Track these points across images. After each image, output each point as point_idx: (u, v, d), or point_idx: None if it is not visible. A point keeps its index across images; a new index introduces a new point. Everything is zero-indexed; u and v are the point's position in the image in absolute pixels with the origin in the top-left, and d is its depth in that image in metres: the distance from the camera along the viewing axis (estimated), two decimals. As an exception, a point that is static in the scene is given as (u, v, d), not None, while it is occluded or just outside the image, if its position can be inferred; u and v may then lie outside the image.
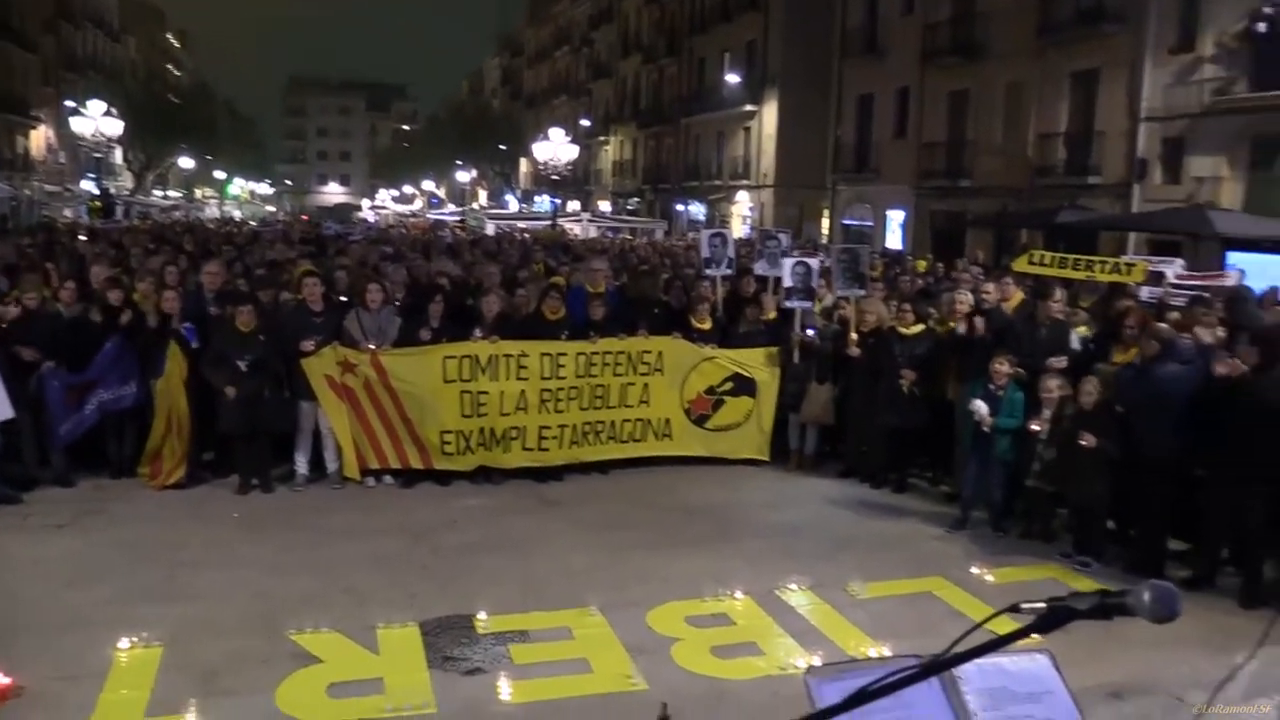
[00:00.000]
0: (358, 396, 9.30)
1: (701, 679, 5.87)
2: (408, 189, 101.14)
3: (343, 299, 10.28)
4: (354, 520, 8.64)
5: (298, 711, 5.39)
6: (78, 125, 37.57)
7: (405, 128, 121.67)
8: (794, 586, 7.28)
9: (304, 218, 49.99)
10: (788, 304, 10.55)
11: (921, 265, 17.07)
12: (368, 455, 9.44)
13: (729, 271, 11.66)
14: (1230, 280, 11.89)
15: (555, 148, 38.67)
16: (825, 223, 36.98)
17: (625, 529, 8.60)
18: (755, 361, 10.53)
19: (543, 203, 58.29)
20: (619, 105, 59.09)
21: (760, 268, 11.64)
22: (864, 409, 9.95)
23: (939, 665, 1.89)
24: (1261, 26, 19.87)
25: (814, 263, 10.79)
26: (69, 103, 46.46)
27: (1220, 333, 8.68)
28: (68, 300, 9.57)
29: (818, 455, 10.57)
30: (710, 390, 10.47)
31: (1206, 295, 10.49)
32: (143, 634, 6.14)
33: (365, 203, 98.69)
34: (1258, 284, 14.21)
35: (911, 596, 7.24)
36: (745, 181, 42.93)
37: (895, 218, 33.25)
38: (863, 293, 10.49)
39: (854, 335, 10.03)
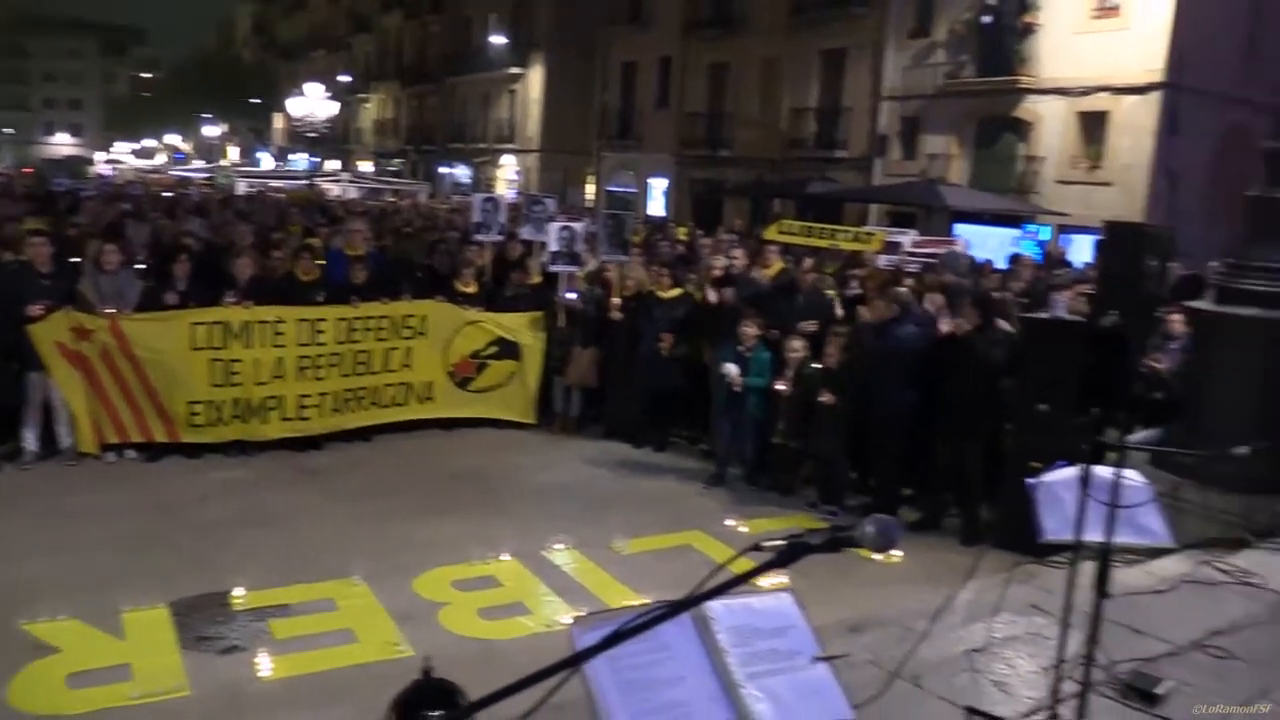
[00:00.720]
0: (93, 365, 8.63)
1: (470, 641, 5.92)
2: (149, 143, 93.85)
3: (75, 260, 9.50)
4: (93, 499, 8.06)
5: (34, 706, 5.04)
6: None
7: (146, 76, 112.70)
8: (559, 546, 7.43)
9: (27, 170, 45.49)
10: (553, 268, 10.65)
11: (682, 232, 17.58)
12: (106, 428, 8.79)
13: (499, 237, 11.62)
14: (958, 248, 12.98)
15: (312, 104, 37.06)
16: (590, 189, 37.33)
17: (389, 496, 8.47)
18: (520, 325, 10.58)
19: (299, 161, 55.66)
20: (381, 62, 56.99)
21: (526, 232, 11.68)
22: (625, 371, 10.22)
23: (686, 603, 2.01)
24: (987, 18, 21.63)
25: (578, 227, 10.93)
26: None
27: (939, 298, 9.49)
28: None
29: (582, 417, 10.77)
30: (475, 354, 10.45)
31: (936, 263, 11.41)
32: None
33: (100, 156, 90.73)
34: (980, 252, 15.60)
35: (672, 550, 7.56)
36: (511, 145, 42.62)
37: (658, 185, 34.01)
38: (626, 258, 10.73)
39: (615, 300, 10.26)
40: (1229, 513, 6.66)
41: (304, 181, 36.28)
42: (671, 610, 1.94)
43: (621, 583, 6.84)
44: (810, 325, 9.10)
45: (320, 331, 9.43)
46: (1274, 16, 19.51)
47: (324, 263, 10.31)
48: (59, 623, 5.83)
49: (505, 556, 7.16)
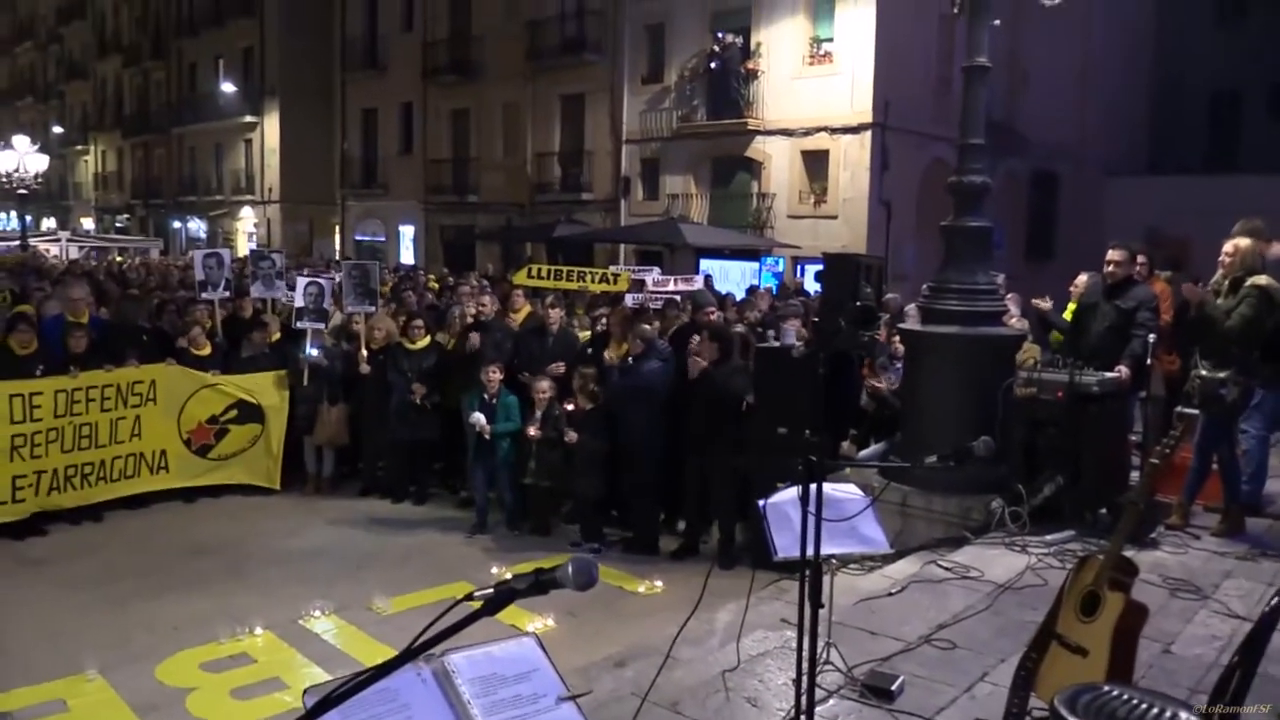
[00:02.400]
0: None
1: (220, 726, 5.60)
2: None
3: None
4: None
5: None
6: None
7: None
8: (317, 613, 7.12)
9: None
10: (299, 324, 10.30)
11: (433, 281, 17.44)
12: None
13: (226, 294, 11.11)
14: (698, 283, 13.56)
15: (21, 157, 34.00)
16: (338, 239, 36.34)
17: (125, 578, 7.87)
18: (261, 386, 10.16)
19: (9, 220, 50.98)
20: (99, 111, 53.30)
21: (256, 290, 11.24)
22: (378, 425, 10.01)
23: (402, 658, 2.00)
24: (714, 64, 22.85)
25: (325, 283, 10.63)
26: None
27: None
28: None
29: (336, 476, 10.44)
30: (213, 419, 9.94)
31: (678, 298, 11.88)
32: None
33: None
34: (722, 285, 16.38)
35: (437, 604, 7.37)
36: (249, 196, 40.82)
37: (406, 232, 33.56)
38: (373, 309, 10.54)
39: (364, 352, 10.05)
40: (950, 514, 7.28)
41: (16, 242, 33.25)
42: (381, 669, 1.95)
43: (385, 644, 6.63)
44: (559, 367, 9.25)
45: (36, 406, 8.69)
46: (959, 59, 21.72)
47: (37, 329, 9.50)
48: None
49: (258, 630, 6.80)
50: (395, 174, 33.52)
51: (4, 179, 35.15)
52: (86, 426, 9.05)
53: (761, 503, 4.51)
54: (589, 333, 10.32)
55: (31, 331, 9.16)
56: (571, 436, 8.43)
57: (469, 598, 2.00)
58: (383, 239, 34.11)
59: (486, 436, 8.90)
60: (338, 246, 35.53)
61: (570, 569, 1.95)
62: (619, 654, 6.25)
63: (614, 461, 8.71)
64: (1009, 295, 9.10)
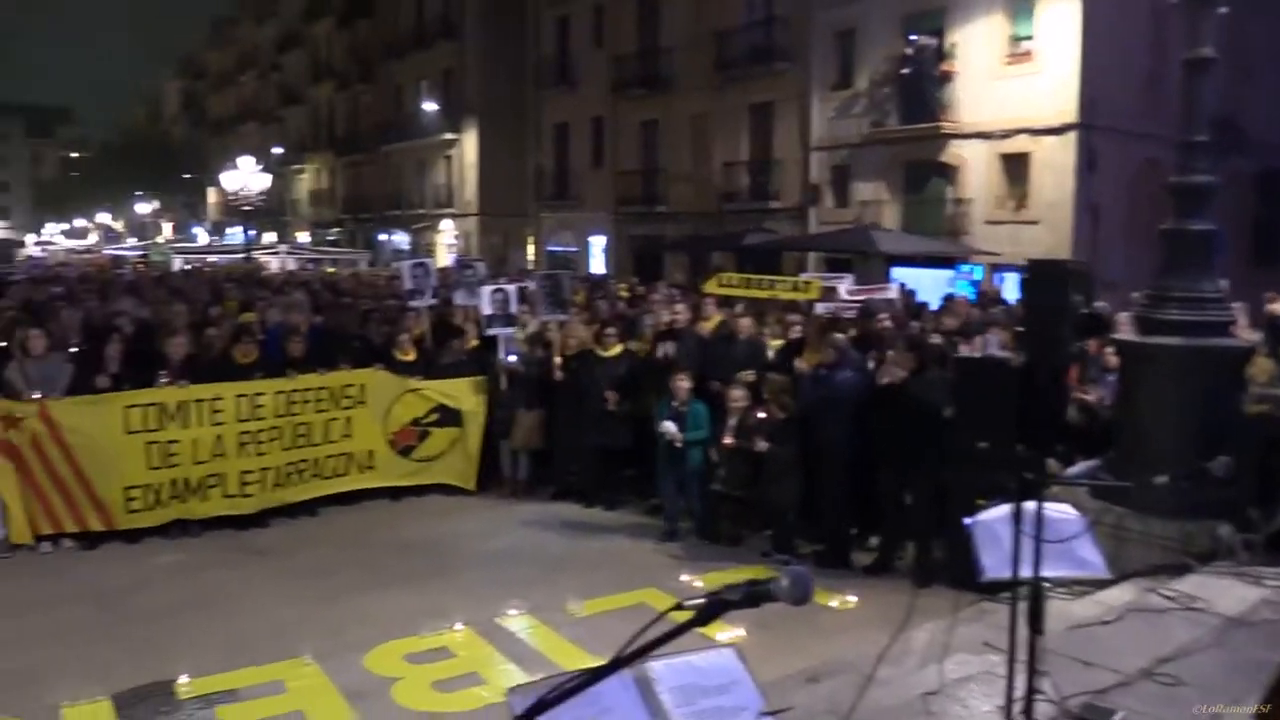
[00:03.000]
0: (23, 454, 8.44)
1: (423, 715, 5.83)
2: (80, 222, 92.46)
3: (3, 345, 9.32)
4: (28, 590, 7.84)
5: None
6: None
7: (74, 155, 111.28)
8: (513, 612, 7.33)
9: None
10: (489, 331, 10.65)
11: (624, 289, 17.70)
12: (39, 519, 8.58)
13: (434, 301, 11.61)
14: (892, 293, 13.22)
15: (246, 177, 36.79)
16: (531, 249, 37.48)
17: (338, 572, 8.33)
18: (460, 391, 10.54)
19: (235, 235, 55.19)
20: (313, 133, 57.01)
21: (459, 297, 11.69)
22: (571, 431, 10.21)
23: (611, 666, 2.01)
24: (906, 69, 22.28)
25: (511, 289, 10.95)
26: None
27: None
28: None
29: (531, 480, 10.71)
30: (416, 422, 10.38)
31: (873, 307, 11.60)
32: None
33: (30, 238, 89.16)
34: (917, 295, 15.88)
35: (626, 609, 7.49)
36: (449, 210, 42.68)
37: (597, 243, 34.24)
38: (565, 317, 10.78)
39: (558, 359, 10.28)
40: (1169, 539, 6.78)
41: (240, 255, 35.96)
42: (594, 675, 1.95)
43: (578, 646, 6.75)
44: (749, 375, 9.18)
45: (259, 406, 9.33)
46: (1173, 52, 20.36)
47: (263, 338, 10.20)
48: (-6, 724, 5.65)
49: (458, 626, 7.06)
50: (586, 186, 34.28)
51: (231, 196, 38.09)
52: (304, 426, 9.65)
53: (968, 520, 4.31)
54: (779, 341, 10.22)
55: (254, 343, 9.86)
56: (762, 445, 8.35)
57: (679, 607, 1.98)
58: (574, 249, 34.92)
59: (678, 445, 8.93)
60: (530, 257, 36.63)
61: (786, 582, 1.89)
62: (812, 669, 6.14)
63: (806, 472, 8.56)
64: (1236, 304, 8.43)
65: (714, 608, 1.90)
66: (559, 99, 35.20)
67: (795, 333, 9.72)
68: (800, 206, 25.92)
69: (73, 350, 9.51)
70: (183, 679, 6.20)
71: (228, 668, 6.37)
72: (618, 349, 10.09)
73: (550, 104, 35.96)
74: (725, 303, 11.86)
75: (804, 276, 14.70)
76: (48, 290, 15.87)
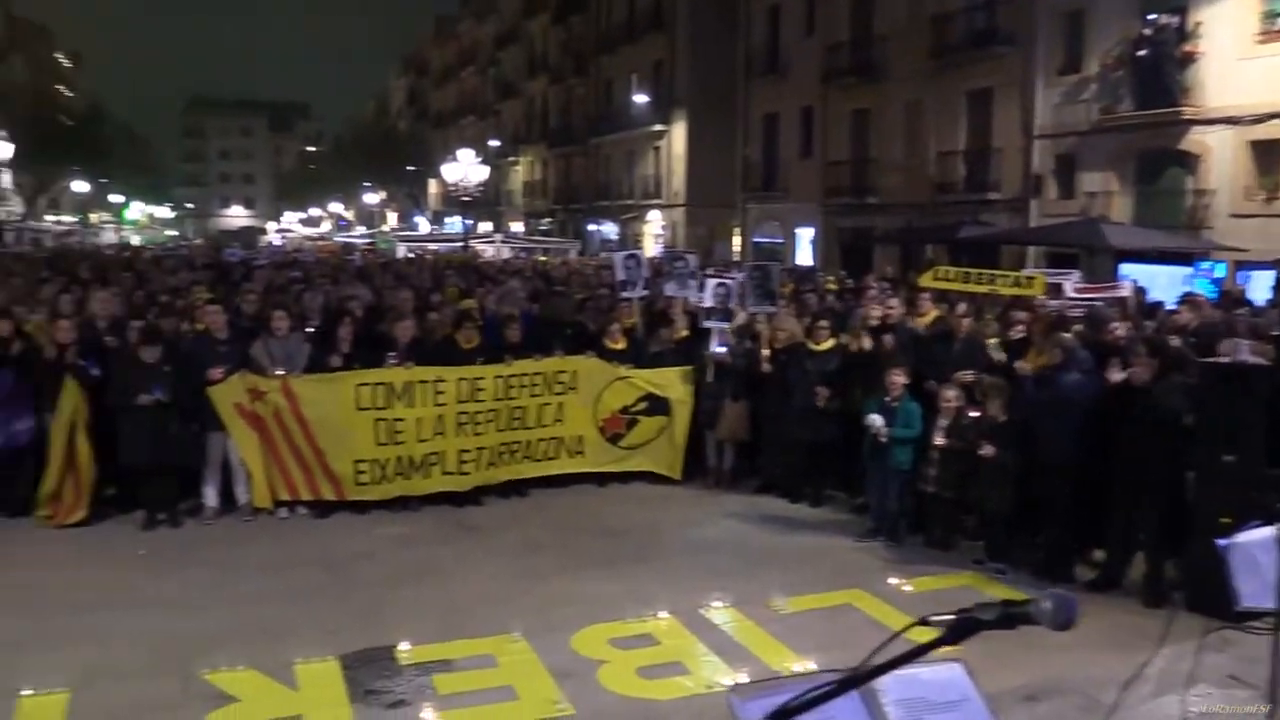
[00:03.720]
0: (267, 425, 9.10)
1: (629, 701, 5.88)
2: (315, 211, 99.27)
3: (248, 326, 10.06)
4: (268, 553, 8.44)
5: (215, 755, 5.26)
6: (-38, 150, 36.10)
7: (310, 149, 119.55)
8: (717, 604, 7.32)
9: (199, 241, 48.71)
10: (706, 323, 10.65)
11: (831, 282, 17.36)
12: (278, 486, 9.22)
13: (645, 292, 11.74)
14: (1125, 290, 12.36)
15: (465, 169, 38.44)
16: (736, 241, 37.43)
17: (546, 552, 8.56)
18: (668, 381, 10.61)
19: (454, 224, 57.84)
20: (528, 125, 59.00)
21: (669, 289, 11.76)
22: (778, 425, 10.09)
23: (854, 680, 1.93)
24: (1143, 50, 20.79)
25: (733, 283, 10.89)
26: (-48, 127, 44.50)
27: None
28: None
29: (735, 472, 10.67)
30: (624, 410, 10.53)
31: (1102, 305, 10.89)
32: (47, 680, 5.89)
33: (271, 226, 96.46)
34: (1150, 293, 14.82)
35: (832, 609, 7.35)
36: (657, 201, 43.21)
37: (804, 235, 33.81)
38: (774, 309, 10.66)
39: (766, 352, 10.18)
40: None
41: (459, 244, 37.63)
42: (839, 688, 1.87)
43: (782, 643, 6.67)
44: (967, 375, 8.80)
45: (479, 389, 9.69)
46: None
47: (481, 324, 10.59)
48: (237, 673, 6.08)
49: (662, 614, 7.11)
50: (794, 177, 33.89)
51: (451, 187, 39.83)
52: (518, 410, 9.96)
53: (1223, 542, 3.95)
54: (997, 339, 9.73)
55: (476, 328, 10.25)
56: (987, 450, 7.98)
57: (924, 622, 1.88)
58: (781, 241, 34.61)
59: (883, 440, 8.68)
60: (736, 248, 36.58)
61: (1049, 605, 1.75)
62: (1030, 687, 5.84)
63: (1025, 478, 8.13)
64: None
65: (965, 627, 1.78)
66: (768, 89, 34.93)
67: (1018, 332, 9.22)
68: (1021, 198, 24.69)
69: (310, 330, 10.16)
70: (403, 645, 6.51)
71: (443, 638, 6.65)
72: (829, 343, 9.89)
73: (759, 94, 35.73)
74: (940, 297, 11.43)
75: (1026, 272, 13.97)
76: (287, 275, 17.08)
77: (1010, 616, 1.78)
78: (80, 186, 66.17)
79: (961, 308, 9.59)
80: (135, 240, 63.50)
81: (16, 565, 8.05)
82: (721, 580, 7.82)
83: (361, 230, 70.30)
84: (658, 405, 10.57)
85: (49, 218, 64.72)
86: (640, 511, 9.86)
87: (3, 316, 9.39)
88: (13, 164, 42.56)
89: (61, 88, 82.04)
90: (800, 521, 9.55)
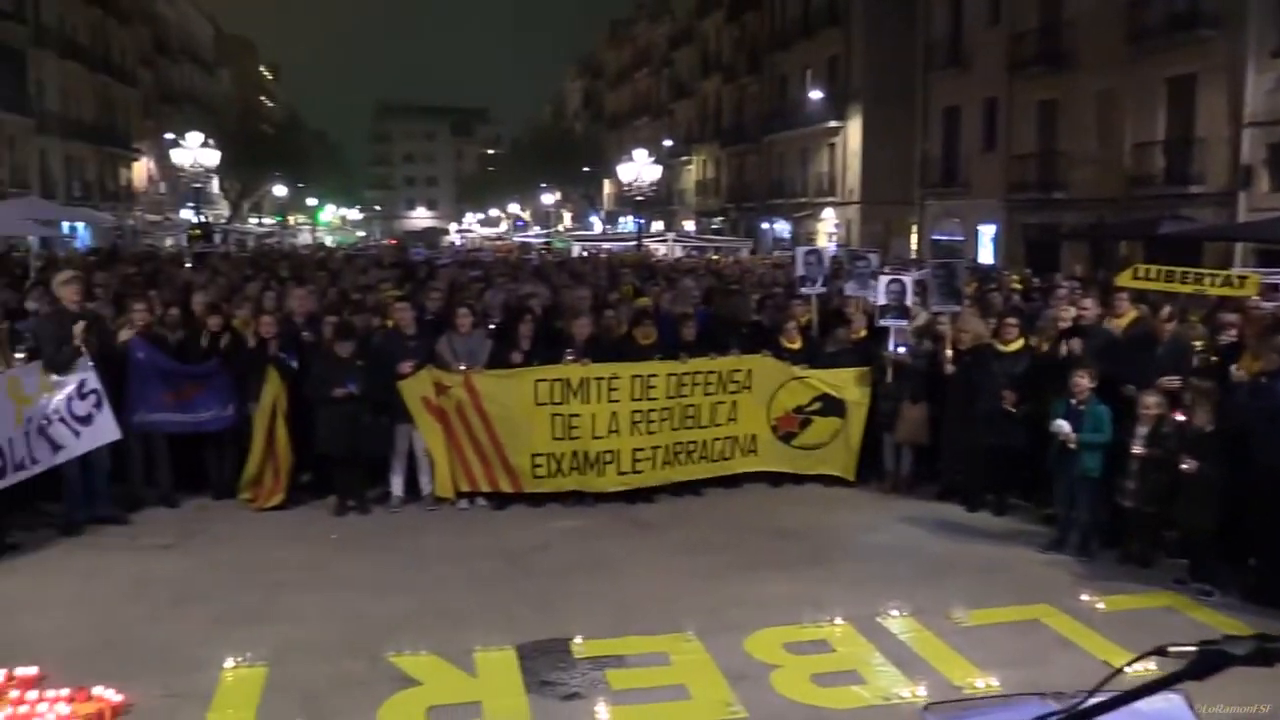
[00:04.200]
0: (450, 418, 9.40)
1: (803, 708, 5.75)
2: (493, 212, 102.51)
3: (433, 322, 10.41)
4: (449, 542, 8.72)
5: (400, 735, 5.43)
6: (177, 156, 38.89)
7: (489, 151, 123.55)
8: (894, 612, 7.08)
9: (390, 241, 51.21)
10: (882, 322, 10.36)
11: (1016, 282, 16.61)
12: (459, 478, 9.51)
13: (824, 289, 11.52)
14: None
15: (639, 168, 38.83)
16: (914, 238, 36.44)
17: (719, 552, 8.50)
18: (844, 381, 10.38)
19: (627, 223, 58.58)
20: (701, 125, 59.18)
21: (850, 288, 11.48)
22: (960, 429, 9.70)
23: (1083, 715, 1.77)
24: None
25: (908, 280, 10.57)
26: (168, 135, 48.19)
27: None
28: (172, 326, 9.86)
29: (913, 476, 10.34)
30: (798, 409, 10.37)
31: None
32: (246, 654, 6.24)
33: (452, 226, 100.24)
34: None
35: (1018, 624, 6.99)
36: (831, 198, 42.56)
37: (986, 232, 32.61)
38: (959, 309, 10.26)
39: (949, 353, 9.81)
40: None
41: (632, 243, 38.09)
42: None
43: (964, 657, 6.38)
44: (1172, 382, 8.22)
45: (652, 387, 9.72)
46: None
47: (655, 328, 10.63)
48: (420, 657, 6.28)
49: (838, 620, 6.93)
50: (976, 172, 32.74)
51: (625, 187, 40.35)
52: (692, 408, 9.94)
53: None
54: (1204, 342, 9.08)
55: (652, 325, 10.32)
56: (1191, 465, 7.42)
57: (1159, 652, 1.71)
58: (961, 238, 33.48)
59: (1071, 446, 8.22)
60: (913, 246, 35.62)
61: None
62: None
63: (1235, 492, 7.52)
64: None
65: (1211, 660, 1.60)
66: (949, 81, 33.88)
67: (1228, 335, 8.56)
68: (1228, 191, 23.05)
69: (491, 327, 10.44)
70: (577, 638, 6.57)
71: (616, 633, 6.68)
72: (1017, 344, 9.44)
73: (939, 87, 34.71)
74: (1138, 297, 10.74)
75: (1236, 270, 12.98)
76: (467, 273, 17.63)
77: (1268, 653, 1.58)
78: (280, 190, 70.44)
79: (1166, 310, 8.95)
80: (328, 241, 67.21)
81: (222, 543, 8.60)
82: (899, 588, 7.57)
83: (537, 230, 72.20)
84: (833, 406, 10.35)
85: (252, 220, 69.20)
86: (814, 513, 9.68)
87: (214, 311, 10.04)
88: (220, 170, 45.59)
89: (263, 98, 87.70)
90: (981, 530, 9.16)
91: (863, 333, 10.66)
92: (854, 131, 40.58)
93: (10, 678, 5.80)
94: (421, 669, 6.14)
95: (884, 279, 10.64)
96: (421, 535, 8.89)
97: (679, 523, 9.36)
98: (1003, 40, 30.69)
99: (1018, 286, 15.72)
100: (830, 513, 9.75)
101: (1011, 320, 9.68)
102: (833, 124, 41.62)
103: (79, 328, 8.59)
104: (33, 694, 5.61)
